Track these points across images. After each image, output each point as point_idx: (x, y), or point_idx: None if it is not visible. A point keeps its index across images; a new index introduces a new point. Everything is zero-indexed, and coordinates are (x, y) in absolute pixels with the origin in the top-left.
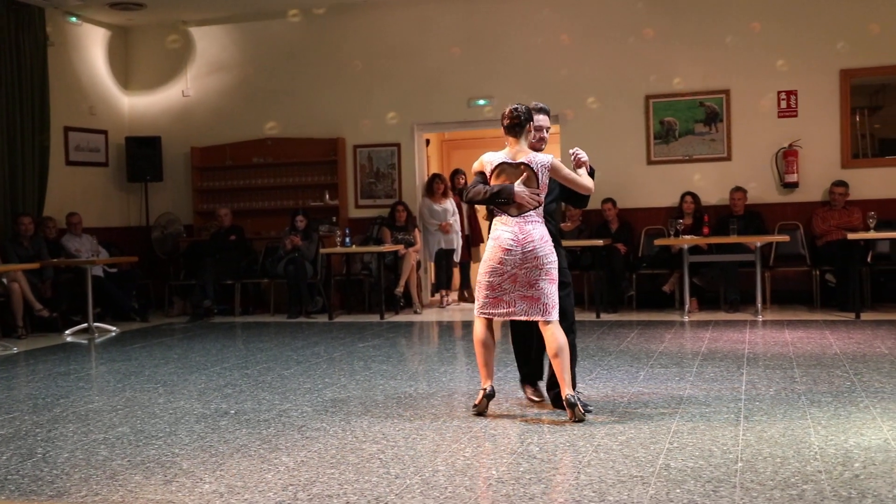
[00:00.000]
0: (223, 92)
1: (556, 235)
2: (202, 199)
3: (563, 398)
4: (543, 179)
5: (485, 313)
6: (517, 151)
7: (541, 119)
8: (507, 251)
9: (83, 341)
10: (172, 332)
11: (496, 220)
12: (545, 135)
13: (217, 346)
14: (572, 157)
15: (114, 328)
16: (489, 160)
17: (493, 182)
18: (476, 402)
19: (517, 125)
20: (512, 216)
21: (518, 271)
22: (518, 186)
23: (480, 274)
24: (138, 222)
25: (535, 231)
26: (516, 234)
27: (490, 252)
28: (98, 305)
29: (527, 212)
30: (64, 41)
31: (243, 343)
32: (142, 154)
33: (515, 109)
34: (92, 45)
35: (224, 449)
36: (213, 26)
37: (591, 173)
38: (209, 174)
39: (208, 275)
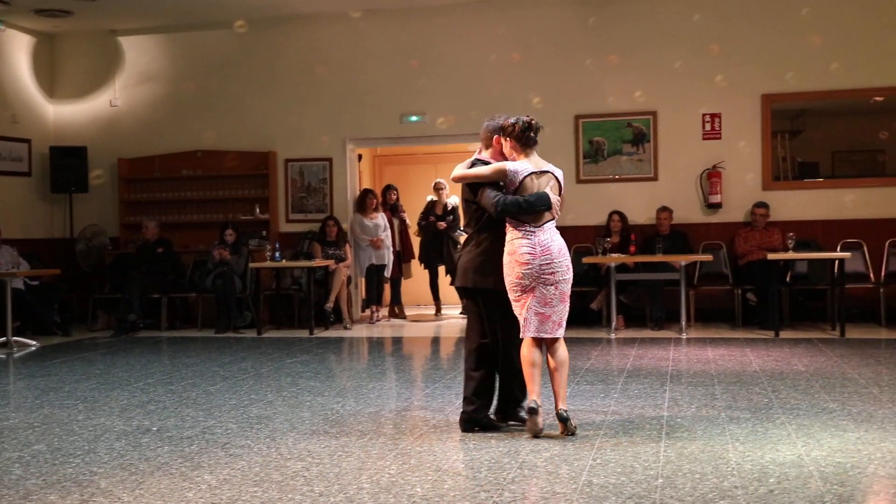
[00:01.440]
0: (152, 103)
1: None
2: (129, 211)
3: (557, 412)
4: (563, 188)
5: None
6: (536, 161)
7: None
8: (526, 264)
9: (1, 356)
10: (95, 346)
11: (512, 232)
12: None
13: (141, 361)
14: None
15: (34, 343)
16: (517, 169)
17: (519, 192)
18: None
19: (535, 135)
20: (533, 226)
21: (536, 284)
22: (551, 194)
23: (511, 293)
24: (62, 234)
25: (557, 240)
26: (535, 244)
27: (510, 268)
28: (18, 319)
29: (548, 221)
30: None
31: (169, 358)
32: (67, 164)
33: (531, 121)
34: (16, 52)
35: (144, 467)
36: (143, 36)
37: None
38: (137, 186)
39: (134, 288)
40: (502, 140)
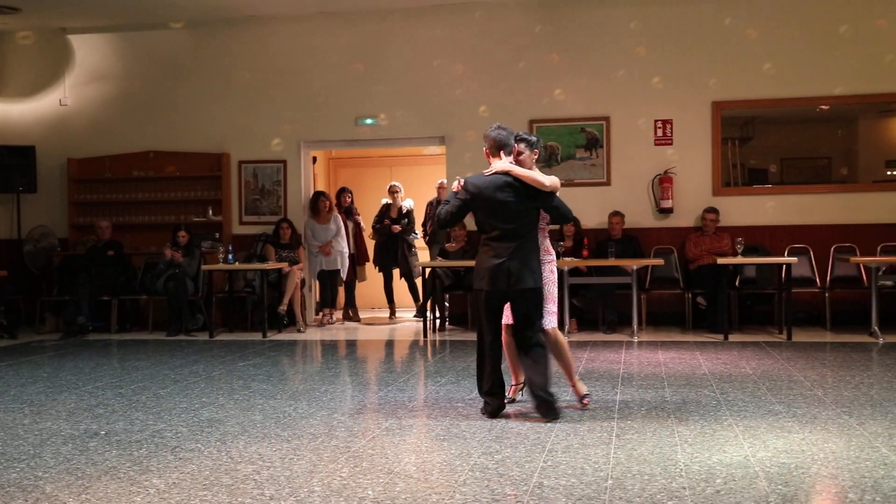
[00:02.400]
0: (103, 102)
1: None
2: (78, 212)
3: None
4: None
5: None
6: None
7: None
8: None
9: None
10: (43, 349)
11: (546, 239)
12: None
13: (90, 364)
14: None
15: None
16: None
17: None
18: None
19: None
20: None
21: None
22: None
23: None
24: (9, 235)
25: None
26: None
27: (550, 269)
28: None
29: None
30: None
31: (118, 361)
32: (13, 164)
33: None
34: None
35: (91, 471)
36: (94, 34)
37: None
38: (87, 186)
39: (83, 290)
40: (526, 151)
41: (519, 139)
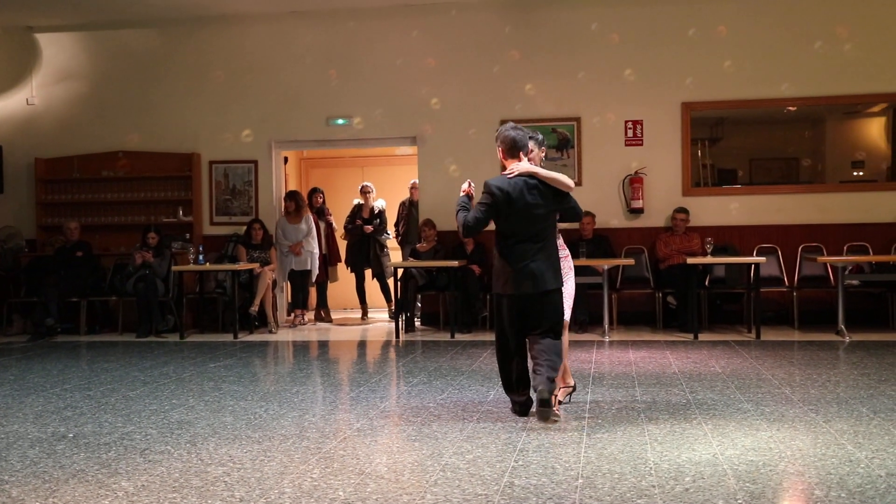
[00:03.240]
0: (72, 101)
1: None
2: (46, 212)
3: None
4: None
5: None
6: None
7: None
8: None
9: None
10: (10, 351)
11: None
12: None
13: (59, 366)
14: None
15: None
16: None
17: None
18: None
19: None
20: None
21: None
22: None
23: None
24: None
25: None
26: None
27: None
28: None
29: None
30: None
31: (87, 363)
32: None
33: None
34: None
35: (59, 474)
36: (62, 33)
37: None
38: (55, 187)
39: (52, 292)
40: (535, 149)
41: (528, 138)
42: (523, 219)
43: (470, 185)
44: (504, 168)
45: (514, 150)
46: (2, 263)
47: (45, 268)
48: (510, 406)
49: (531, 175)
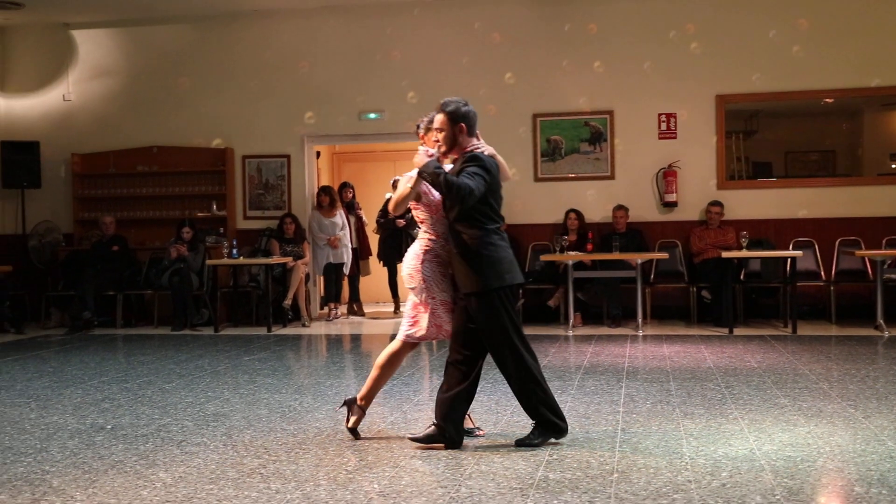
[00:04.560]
0: (107, 97)
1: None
2: (83, 207)
3: (349, 398)
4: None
5: None
6: None
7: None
8: None
9: None
10: (49, 344)
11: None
12: (438, 136)
13: (96, 359)
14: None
15: None
16: None
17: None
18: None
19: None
20: None
21: None
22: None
23: None
24: (14, 230)
25: (412, 246)
26: None
27: None
28: None
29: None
30: None
31: (124, 356)
32: (18, 159)
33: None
34: None
35: (98, 465)
36: (98, 30)
37: (443, 180)
38: (91, 182)
39: (88, 285)
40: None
41: None
42: (499, 200)
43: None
44: (455, 147)
45: (474, 127)
46: (40, 258)
47: (81, 262)
48: (550, 439)
49: (492, 156)
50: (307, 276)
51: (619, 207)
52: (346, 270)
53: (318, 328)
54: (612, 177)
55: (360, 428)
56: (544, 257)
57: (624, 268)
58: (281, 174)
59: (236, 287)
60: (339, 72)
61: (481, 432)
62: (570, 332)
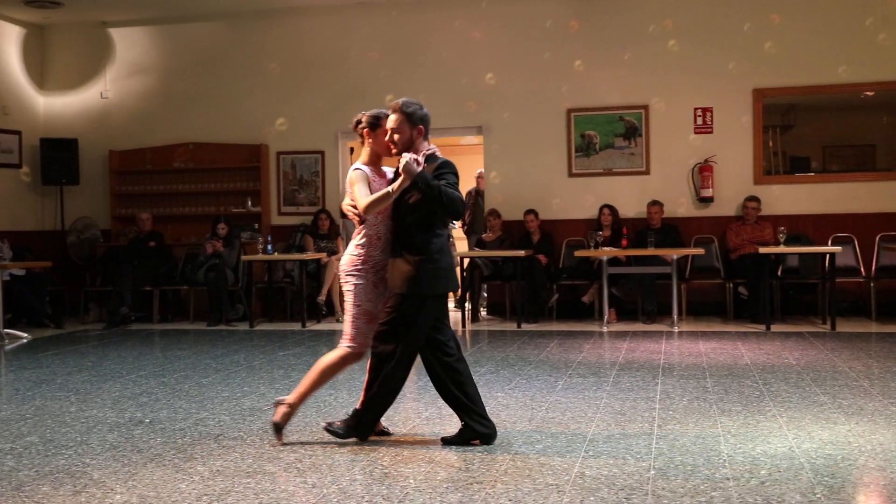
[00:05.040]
0: (143, 95)
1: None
2: (120, 203)
3: (278, 400)
4: (353, 193)
5: None
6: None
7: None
8: None
9: None
10: (87, 339)
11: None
12: (394, 137)
13: (133, 353)
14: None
15: (25, 335)
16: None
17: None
18: None
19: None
20: None
21: None
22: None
23: None
24: (53, 226)
25: (346, 252)
26: None
27: None
28: (8, 311)
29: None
30: None
31: (161, 351)
32: (57, 156)
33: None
34: (6, 43)
35: (137, 458)
36: (134, 28)
37: (439, 192)
38: (128, 178)
39: (126, 281)
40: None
41: None
42: None
43: (419, 160)
44: (409, 149)
45: (427, 130)
46: (78, 253)
47: (119, 258)
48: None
49: None
50: None
51: (654, 203)
52: None
53: None
54: (646, 172)
55: (393, 424)
56: (578, 253)
57: (659, 263)
58: (315, 170)
59: (271, 283)
60: (372, 68)
61: (390, 430)
62: (605, 329)
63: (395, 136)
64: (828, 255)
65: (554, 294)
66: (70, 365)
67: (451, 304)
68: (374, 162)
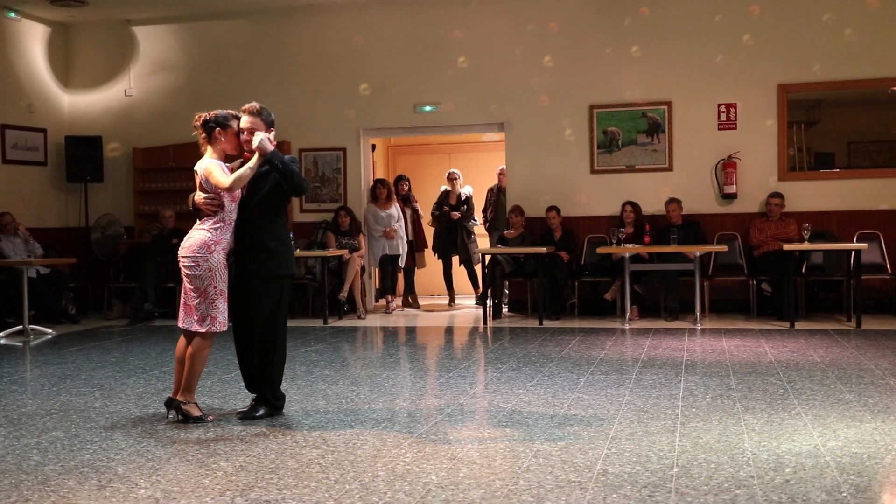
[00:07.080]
0: (167, 92)
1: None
2: (143, 200)
3: (171, 399)
4: (207, 185)
5: None
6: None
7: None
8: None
9: (18, 344)
10: (111, 335)
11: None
12: (249, 137)
13: (157, 349)
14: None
15: (50, 331)
16: None
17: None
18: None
19: (205, 131)
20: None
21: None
22: (196, 193)
23: None
24: (77, 223)
25: (193, 236)
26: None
27: None
28: (33, 307)
29: (205, 216)
30: (2, 37)
31: None
32: (82, 154)
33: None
34: (31, 42)
35: (161, 453)
36: (158, 26)
37: (284, 167)
38: (151, 175)
39: (149, 277)
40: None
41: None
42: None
43: (271, 138)
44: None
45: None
46: (102, 250)
47: (142, 254)
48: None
49: None
50: (363, 268)
51: (672, 200)
52: (402, 262)
53: (373, 320)
54: (669, 168)
55: (416, 420)
56: (601, 250)
57: (682, 260)
58: (337, 167)
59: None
60: (395, 64)
61: (210, 418)
62: (627, 326)
63: (251, 137)
64: (853, 252)
65: (572, 297)
66: (94, 361)
67: (472, 301)
68: (222, 159)
